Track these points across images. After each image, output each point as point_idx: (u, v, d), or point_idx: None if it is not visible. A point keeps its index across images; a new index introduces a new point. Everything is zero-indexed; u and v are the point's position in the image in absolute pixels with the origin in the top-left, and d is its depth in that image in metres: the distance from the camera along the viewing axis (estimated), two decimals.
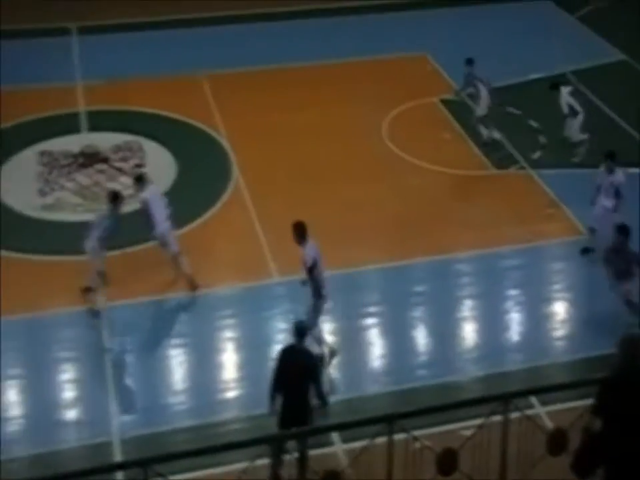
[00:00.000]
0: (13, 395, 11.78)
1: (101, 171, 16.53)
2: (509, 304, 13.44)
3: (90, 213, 15.26)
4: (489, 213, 15.27)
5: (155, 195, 13.66)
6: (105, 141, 17.30)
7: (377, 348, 12.61)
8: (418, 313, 13.30)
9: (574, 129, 16.71)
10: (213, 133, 17.67)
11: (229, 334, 12.98)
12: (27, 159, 16.73)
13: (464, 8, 22.92)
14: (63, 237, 14.83)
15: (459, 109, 17.80)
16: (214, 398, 11.76)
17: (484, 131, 17.08)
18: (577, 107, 16.63)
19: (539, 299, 13.42)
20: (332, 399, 11.52)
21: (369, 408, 11.33)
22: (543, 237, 14.64)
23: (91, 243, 12.92)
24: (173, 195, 15.80)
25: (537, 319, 13.06)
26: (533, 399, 10.47)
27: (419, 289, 13.78)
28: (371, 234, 14.85)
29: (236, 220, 15.21)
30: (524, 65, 19.50)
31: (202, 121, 18.05)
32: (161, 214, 13.43)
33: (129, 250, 14.16)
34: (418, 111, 18.06)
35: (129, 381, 12.05)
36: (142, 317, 13.06)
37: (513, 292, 13.68)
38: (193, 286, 13.39)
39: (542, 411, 10.62)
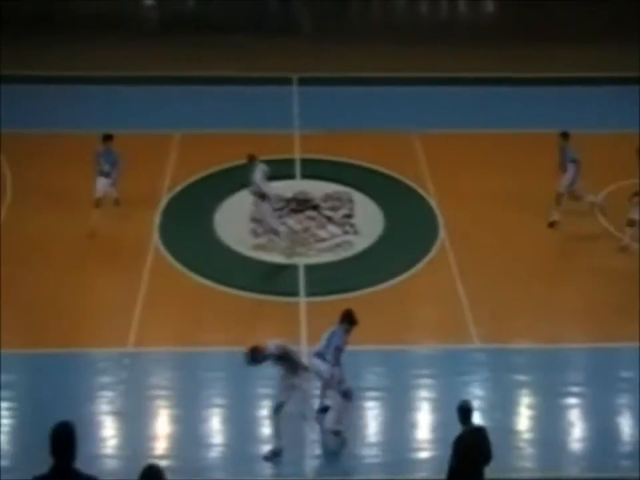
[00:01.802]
0: (216, 423, 12.28)
1: (311, 218, 17.06)
2: None
3: (297, 257, 15.85)
4: None
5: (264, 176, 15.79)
6: (316, 188, 17.86)
7: (577, 429, 12.21)
8: (623, 399, 12.78)
9: None
10: (422, 192, 17.87)
11: (423, 393, 12.96)
12: (243, 199, 17.52)
13: None
14: (269, 278, 15.39)
15: None
16: (404, 456, 11.75)
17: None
18: None
19: None
20: (527, 475, 11.34)
21: None
22: None
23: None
24: (379, 249, 16.14)
25: None
26: None
27: (625, 374, 13.24)
28: (575, 311, 14.50)
29: (439, 280, 15.25)
30: None
31: (412, 178, 18.29)
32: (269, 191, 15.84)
33: (334, 297, 14.48)
34: (630, 189, 17.51)
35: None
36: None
37: None
38: None
39: None
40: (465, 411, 9.64)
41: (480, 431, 9.72)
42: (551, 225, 16.60)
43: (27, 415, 11.75)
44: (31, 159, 18.28)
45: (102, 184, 16.25)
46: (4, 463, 11.26)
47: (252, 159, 15.99)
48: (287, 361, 11.22)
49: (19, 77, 21.30)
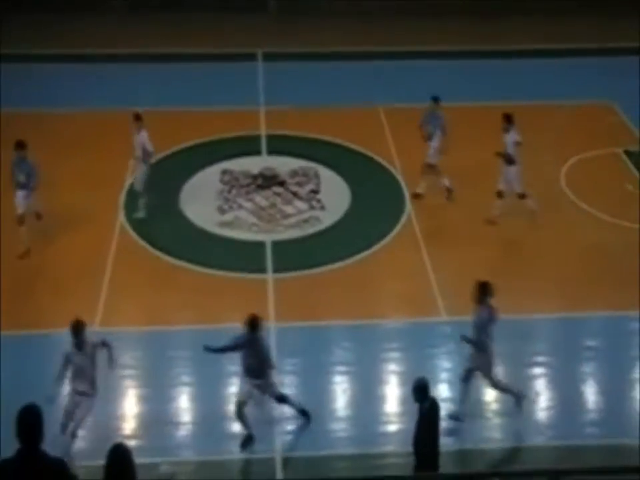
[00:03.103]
0: (184, 401, 12.25)
1: (278, 194, 16.99)
2: None
3: (264, 233, 15.80)
4: None
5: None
6: (283, 164, 17.80)
7: (543, 399, 12.31)
8: (589, 368, 12.91)
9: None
10: (388, 166, 17.84)
11: (392, 367, 13.01)
12: (209, 176, 17.41)
13: None
14: (235, 255, 15.33)
15: None
16: (373, 429, 11.80)
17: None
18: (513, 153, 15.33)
19: None
20: (493, 445, 11.46)
21: (530, 459, 11.12)
22: None
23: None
24: (346, 224, 16.12)
25: None
26: None
27: (591, 343, 13.39)
28: (541, 282, 14.58)
29: (406, 255, 15.27)
30: None
31: (378, 152, 18.26)
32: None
33: (301, 273, 14.48)
34: (600, 160, 17.63)
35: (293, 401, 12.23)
36: (309, 341, 13.28)
37: None
38: None
39: None
40: (423, 389, 9.72)
41: (435, 403, 9.85)
42: (415, 196, 16.50)
43: None
44: None
45: (20, 198, 14.77)
46: None
47: (137, 119, 15.75)
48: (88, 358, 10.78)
49: None
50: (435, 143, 16.30)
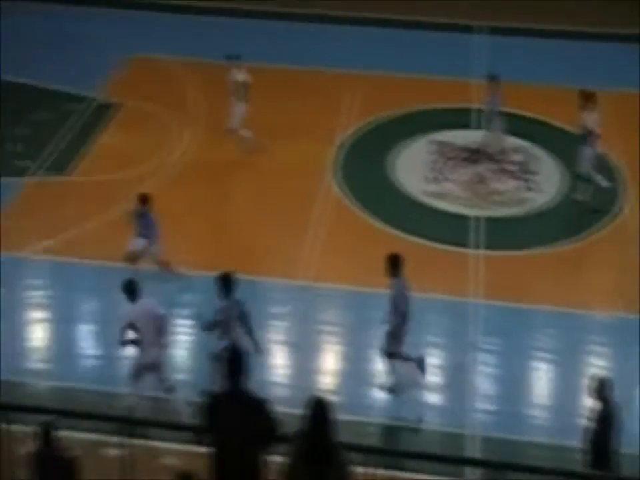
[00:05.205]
0: (380, 362, 12.24)
1: (489, 170, 16.63)
2: None
3: (472, 208, 15.51)
4: None
5: None
6: (496, 140, 17.34)
7: None
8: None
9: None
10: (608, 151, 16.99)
11: (592, 360, 12.37)
12: (421, 146, 17.27)
13: None
14: (442, 226, 15.15)
15: None
16: (566, 421, 11.30)
17: None
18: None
19: None
20: None
21: None
22: None
23: None
24: (557, 207, 15.57)
25: None
26: None
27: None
28: None
29: (620, 247, 14.55)
30: None
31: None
32: None
33: (509, 252, 14.13)
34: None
35: (490, 380, 12.03)
36: (511, 321, 12.97)
37: None
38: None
39: None
40: (602, 389, 9.29)
41: (616, 405, 9.33)
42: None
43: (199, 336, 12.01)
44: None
45: (139, 243, 13.15)
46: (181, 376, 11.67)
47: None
48: None
49: None
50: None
